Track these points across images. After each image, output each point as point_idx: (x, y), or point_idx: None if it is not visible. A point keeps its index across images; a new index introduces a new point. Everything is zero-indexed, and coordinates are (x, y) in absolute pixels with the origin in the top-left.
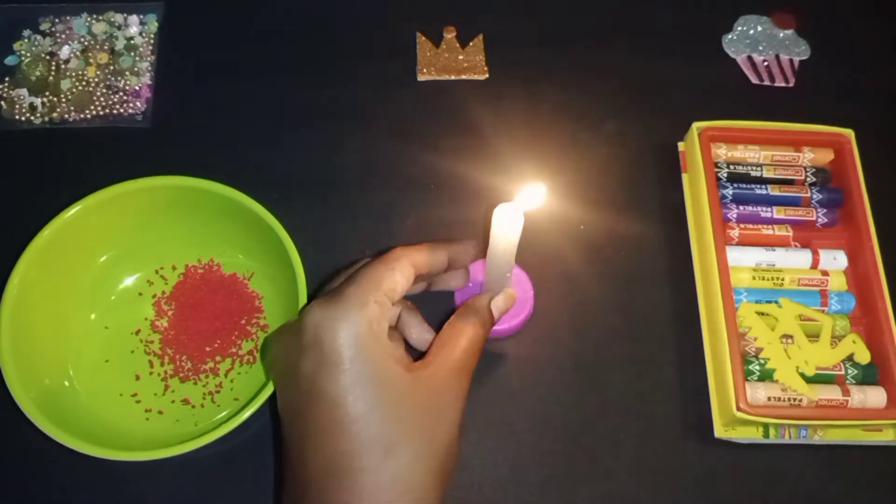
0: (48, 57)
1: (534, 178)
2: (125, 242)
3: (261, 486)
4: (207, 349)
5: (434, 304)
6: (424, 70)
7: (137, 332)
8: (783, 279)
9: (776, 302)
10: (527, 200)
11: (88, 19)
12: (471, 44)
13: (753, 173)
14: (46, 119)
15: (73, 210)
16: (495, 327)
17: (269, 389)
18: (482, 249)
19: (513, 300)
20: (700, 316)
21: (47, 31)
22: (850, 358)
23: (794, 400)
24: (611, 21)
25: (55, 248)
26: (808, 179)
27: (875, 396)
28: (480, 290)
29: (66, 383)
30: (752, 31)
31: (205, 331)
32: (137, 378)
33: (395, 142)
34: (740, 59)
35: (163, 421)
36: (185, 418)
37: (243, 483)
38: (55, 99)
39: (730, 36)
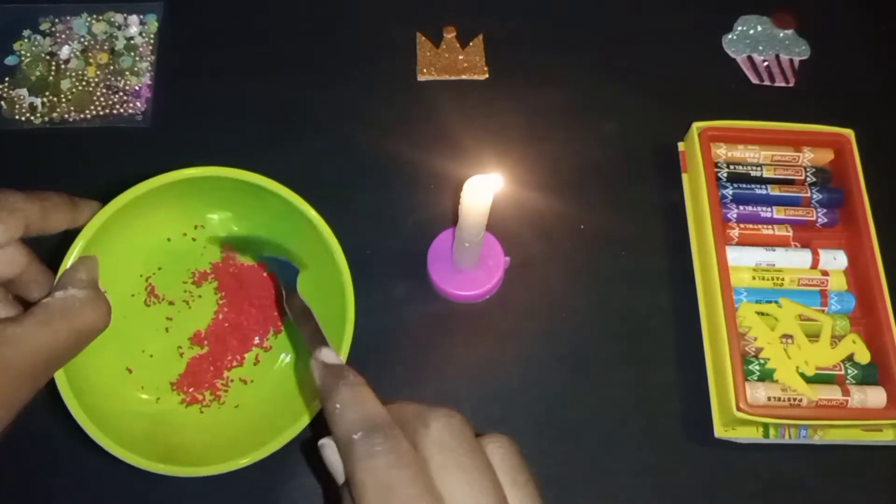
0: (48, 57)
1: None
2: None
3: (263, 483)
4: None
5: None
6: (424, 70)
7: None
8: (783, 279)
9: (776, 302)
10: (494, 179)
11: (88, 19)
12: (471, 44)
13: (753, 173)
14: (46, 119)
15: (132, 194)
16: (471, 292)
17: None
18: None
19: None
20: (700, 316)
21: (47, 31)
22: (850, 358)
23: (794, 400)
24: (611, 21)
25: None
26: (808, 179)
27: (875, 396)
28: (452, 257)
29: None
30: (752, 31)
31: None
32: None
33: (395, 142)
34: (740, 59)
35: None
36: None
37: (244, 482)
38: (55, 99)
39: (730, 36)
